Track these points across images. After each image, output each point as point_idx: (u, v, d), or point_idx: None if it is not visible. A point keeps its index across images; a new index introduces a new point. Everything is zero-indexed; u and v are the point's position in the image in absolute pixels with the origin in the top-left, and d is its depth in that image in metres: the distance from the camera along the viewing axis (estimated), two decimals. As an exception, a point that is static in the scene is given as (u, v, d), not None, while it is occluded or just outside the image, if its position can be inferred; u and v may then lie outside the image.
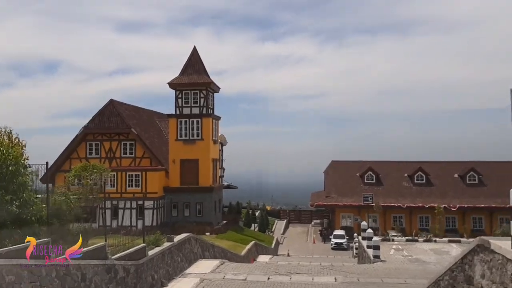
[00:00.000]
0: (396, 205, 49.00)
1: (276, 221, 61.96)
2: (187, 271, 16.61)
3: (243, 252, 29.96)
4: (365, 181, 53.90)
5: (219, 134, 45.07)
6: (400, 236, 28.05)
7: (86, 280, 10.57)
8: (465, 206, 48.38)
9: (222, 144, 48.10)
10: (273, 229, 56.49)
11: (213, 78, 42.51)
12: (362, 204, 45.90)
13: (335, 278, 14.94)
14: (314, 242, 50.43)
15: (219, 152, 46.53)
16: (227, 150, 49.76)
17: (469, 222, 49.63)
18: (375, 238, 18.85)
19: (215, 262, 18.25)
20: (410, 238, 25.53)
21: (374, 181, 53.70)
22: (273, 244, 43.81)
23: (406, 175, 54.19)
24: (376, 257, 18.10)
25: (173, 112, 41.26)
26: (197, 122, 40.72)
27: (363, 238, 21.51)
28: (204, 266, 17.38)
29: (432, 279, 9.17)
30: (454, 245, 22.94)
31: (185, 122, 40.78)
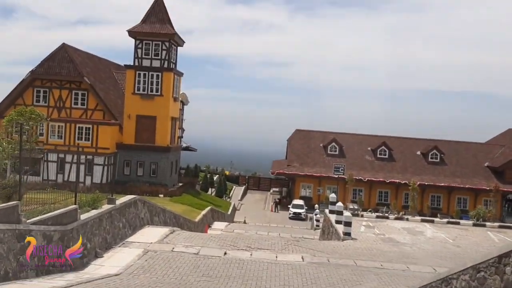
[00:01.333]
0: (357, 178, 47.94)
1: (234, 186, 60.08)
2: (130, 239, 14.19)
3: (198, 218, 27.75)
4: (328, 152, 52.53)
5: (181, 92, 41.99)
6: (370, 211, 26.59)
7: (-15, 250, 7.99)
8: (426, 183, 47.87)
9: (183, 103, 45.09)
10: (230, 195, 54.62)
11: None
12: (326, 175, 44.54)
13: (302, 257, 12.94)
14: (272, 210, 49.05)
15: (180, 111, 43.59)
16: (189, 112, 46.87)
17: (427, 199, 49.45)
18: (347, 213, 16.96)
19: (164, 230, 15.89)
20: (381, 214, 23.99)
21: (337, 152, 52.39)
22: (229, 210, 41.92)
23: (369, 148, 53.28)
24: (347, 234, 16.24)
25: (132, 63, 37.83)
26: (157, 76, 37.51)
27: (331, 212, 19.67)
28: (151, 234, 15.00)
29: (438, 275, 7.17)
30: (427, 225, 21.41)
31: (144, 75, 37.49)
